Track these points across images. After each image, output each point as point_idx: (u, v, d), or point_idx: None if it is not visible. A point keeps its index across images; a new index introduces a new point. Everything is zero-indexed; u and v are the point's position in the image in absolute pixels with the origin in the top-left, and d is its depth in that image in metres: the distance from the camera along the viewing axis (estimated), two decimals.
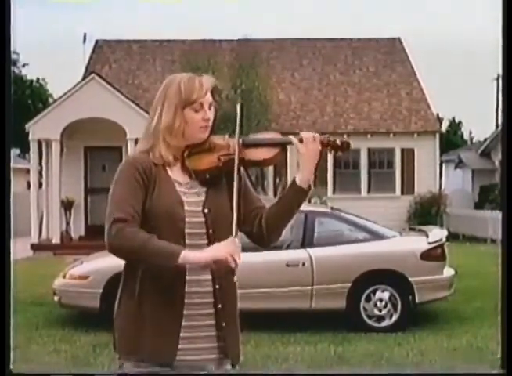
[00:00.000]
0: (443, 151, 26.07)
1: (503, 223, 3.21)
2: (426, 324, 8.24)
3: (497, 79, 32.93)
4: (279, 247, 7.87)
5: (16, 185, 21.07)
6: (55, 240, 17.80)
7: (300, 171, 2.51)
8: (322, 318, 8.15)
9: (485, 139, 28.29)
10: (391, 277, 8.13)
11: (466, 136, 46.58)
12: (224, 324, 2.48)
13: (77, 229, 19.11)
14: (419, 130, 21.74)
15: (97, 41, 24.67)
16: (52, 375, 6.29)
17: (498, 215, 17.68)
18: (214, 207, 2.47)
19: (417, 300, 8.10)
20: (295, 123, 21.74)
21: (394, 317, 8.09)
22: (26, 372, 6.25)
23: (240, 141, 2.51)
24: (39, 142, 18.51)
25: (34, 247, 17.48)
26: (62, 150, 18.47)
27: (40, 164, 19.46)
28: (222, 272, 2.44)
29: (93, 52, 24.24)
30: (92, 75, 18.43)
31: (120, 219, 2.36)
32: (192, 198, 2.49)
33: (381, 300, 8.07)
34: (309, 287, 7.94)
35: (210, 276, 2.46)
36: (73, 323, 8.41)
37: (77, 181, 19.45)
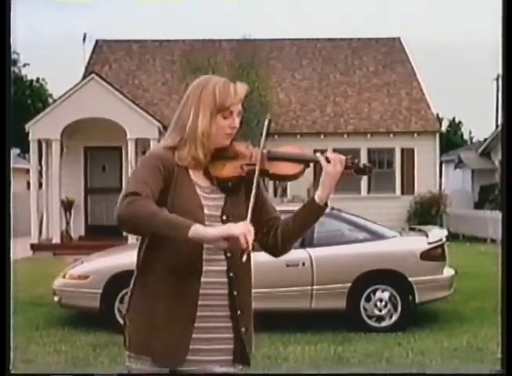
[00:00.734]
0: (443, 151, 26.08)
1: (503, 223, 3.21)
2: (426, 324, 8.24)
3: (497, 79, 32.95)
4: None
5: (16, 185, 21.07)
6: (55, 240, 17.80)
7: (320, 190, 2.53)
8: (322, 318, 8.15)
9: (485, 139, 28.27)
10: (391, 277, 8.13)
11: (466, 136, 46.59)
12: (243, 329, 2.56)
13: (77, 229, 19.11)
14: (419, 130, 21.74)
15: (97, 41, 24.67)
16: (52, 375, 6.30)
17: (498, 215, 17.67)
18: (232, 214, 2.48)
19: (417, 300, 8.10)
20: (295, 123, 21.75)
21: (394, 317, 8.09)
22: (26, 372, 6.26)
23: (265, 152, 2.52)
24: (39, 142, 18.51)
25: (34, 247, 17.47)
26: (62, 150, 18.46)
27: (40, 164, 19.46)
28: (238, 278, 2.48)
29: (93, 52, 24.24)
30: (92, 75, 18.43)
31: (134, 193, 2.32)
32: (211, 203, 2.49)
33: (381, 300, 8.07)
34: (309, 287, 7.94)
35: (226, 279, 2.49)
36: (73, 323, 8.41)
37: (77, 181, 19.44)
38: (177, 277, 2.42)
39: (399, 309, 8.07)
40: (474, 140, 42.91)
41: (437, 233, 8.72)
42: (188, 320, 2.43)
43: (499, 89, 32.60)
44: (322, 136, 21.28)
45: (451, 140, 39.78)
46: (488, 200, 22.81)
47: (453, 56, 74.55)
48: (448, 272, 8.45)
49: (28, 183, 23.69)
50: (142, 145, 17.73)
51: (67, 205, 18.72)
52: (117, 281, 7.58)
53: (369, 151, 21.51)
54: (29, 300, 9.75)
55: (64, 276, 8.35)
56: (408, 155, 21.56)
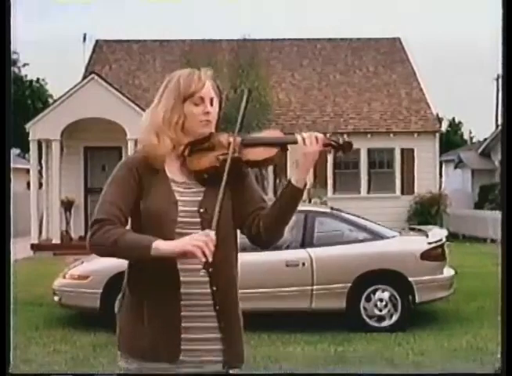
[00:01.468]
0: (443, 151, 26.07)
1: (503, 223, 3.21)
2: (426, 324, 8.24)
3: (497, 79, 32.96)
4: (278, 247, 7.86)
5: (16, 185, 21.06)
6: (55, 240, 17.80)
7: (297, 171, 2.45)
8: (322, 318, 8.15)
9: (485, 139, 28.28)
10: (391, 277, 8.13)
11: (466, 136, 46.57)
12: (223, 325, 2.47)
13: (77, 229, 19.09)
14: (419, 130, 21.73)
15: (97, 41, 24.68)
16: (52, 375, 6.30)
17: (498, 215, 17.66)
18: (210, 207, 2.41)
19: (417, 300, 8.10)
20: (295, 123, 21.74)
21: (395, 317, 8.09)
22: (26, 372, 6.26)
23: (239, 140, 2.48)
24: (39, 142, 18.51)
25: (34, 247, 17.47)
26: (62, 149, 18.46)
27: (40, 164, 19.46)
28: (220, 275, 2.43)
29: (93, 52, 24.24)
30: (92, 75, 18.43)
31: (98, 221, 2.37)
32: (188, 197, 2.47)
33: (381, 300, 8.07)
34: (309, 287, 7.94)
35: (207, 278, 2.44)
36: (73, 323, 8.41)
37: (77, 181, 19.44)
38: (159, 277, 2.42)
39: (399, 309, 8.08)
40: (474, 140, 42.87)
41: (437, 233, 8.72)
42: (173, 319, 2.42)
43: (499, 89, 32.64)
44: None
45: (451, 140, 39.77)
46: (488, 200, 22.81)
47: (453, 56, 74.54)
48: (448, 272, 8.45)
49: (28, 183, 23.67)
50: None
51: (67, 205, 18.71)
52: (117, 281, 7.57)
53: (369, 151, 21.50)
54: (29, 300, 9.75)
55: (64, 276, 8.36)
56: (408, 155, 21.55)
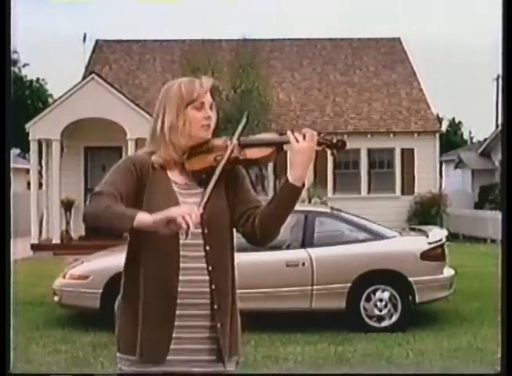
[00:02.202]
0: (443, 151, 26.07)
1: (503, 223, 3.21)
2: (426, 324, 8.23)
3: (497, 79, 32.95)
4: (279, 247, 7.87)
5: (16, 185, 21.06)
6: (55, 240, 17.80)
7: (292, 169, 2.47)
8: (322, 318, 8.15)
9: (485, 139, 28.28)
10: (391, 277, 8.13)
11: (466, 136, 46.59)
12: (219, 325, 2.48)
13: (77, 229, 19.07)
14: (419, 130, 21.74)
15: (97, 41, 24.68)
16: (52, 375, 6.30)
17: (498, 215, 17.68)
18: (209, 208, 2.43)
19: (417, 300, 8.10)
20: (295, 123, 21.72)
21: (394, 317, 8.09)
22: (26, 372, 6.26)
23: (237, 142, 2.53)
24: (39, 142, 18.51)
25: (34, 247, 17.48)
26: (62, 149, 18.47)
27: (40, 164, 19.46)
28: (219, 274, 2.45)
29: (93, 52, 24.24)
30: (92, 75, 18.43)
31: (97, 193, 2.40)
32: (188, 199, 2.50)
33: (381, 300, 8.07)
34: (309, 287, 7.94)
35: (207, 277, 2.46)
36: (73, 323, 8.41)
37: (77, 181, 19.45)
38: (156, 276, 2.43)
39: (399, 309, 8.07)
40: (474, 140, 42.89)
41: (437, 233, 8.72)
42: (167, 318, 2.43)
43: (499, 89, 32.63)
44: None
45: (451, 140, 39.78)
46: (488, 200, 22.82)
47: (453, 56, 74.56)
48: (448, 272, 8.45)
49: (28, 183, 23.69)
50: (142, 145, 17.62)
51: (67, 205, 18.72)
52: (117, 281, 7.56)
53: (369, 151, 21.51)
54: (29, 300, 9.75)
55: (64, 276, 8.35)
56: (408, 155, 21.56)
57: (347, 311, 8.04)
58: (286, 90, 23.03)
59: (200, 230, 2.46)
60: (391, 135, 21.63)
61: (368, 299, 8.07)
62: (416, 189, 21.22)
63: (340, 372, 6.42)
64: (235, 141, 2.53)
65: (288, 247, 8.06)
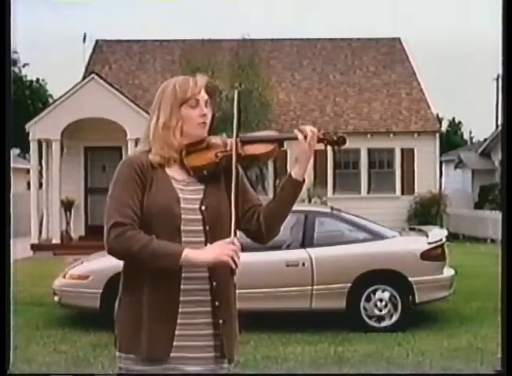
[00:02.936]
0: (443, 151, 26.06)
1: (503, 223, 3.21)
2: (426, 324, 8.24)
3: (497, 79, 32.94)
4: (278, 247, 7.88)
5: (16, 185, 21.06)
6: (55, 240, 17.79)
7: (296, 166, 2.56)
8: (322, 318, 8.15)
9: (485, 139, 28.29)
10: (391, 277, 8.13)
11: (466, 136, 46.59)
12: (221, 322, 2.49)
13: (77, 229, 19.10)
14: (419, 130, 21.74)
15: (97, 41, 24.68)
16: (52, 375, 6.30)
17: (498, 215, 17.69)
18: (211, 205, 2.49)
19: (417, 300, 8.10)
20: (295, 123, 21.71)
21: (394, 317, 8.09)
22: (26, 372, 6.26)
23: (238, 139, 2.55)
24: (39, 142, 18.50)
25: (34, 247, 17.47)
26: (62, 149, 18.46)
27: (40, 164, 19.46)
28: (219, 270, 2.46)
29: (93, 52, 24.24)
30: (92, 75, 18.42)
31: (120, 223, 2.40)
32: (189, 195, 2.51)
33: (381, 300, 8.07)
34: (309, 287, 7.94)
35: (207, 274, 2.47)
36: (73, 323, 8.41)
37: (77, 181, 19.44)
38: (158, 274, 2.43)
39: (399, 309, 8.07)
40: (474, 140, 42.90)
41: (437, 233, 8.72)
42: (171, 316, 2.44)
43: (499, 89, 32.61)
44: None
45: (451, 140, 39.80)
46: (488, 200, 22.81)
47: (453, 56, 74.58)
48: (448, 272, 8.45)
49: (28, 183, 23.69)
50: None
51: (67, 205, 18.72)
52: (117, 281, 7.56)
53: (369, 151, 21.51)
54: (29, 300, 9.75)
55: (64, 276, 8.36)
56: (408, 155, 21.56)
57: (347, 311, 8.04)
58: (286, 90, 23.03)
59: (201, 228, 2.48)
60: (391, 135, 21.63)
61: (368, 299, 8.07)
62: (416, 189, 21.22)
63: (340, 372, 6.42)
64: (235, 136, 2.54)
65: (288, 247, 8.06)
